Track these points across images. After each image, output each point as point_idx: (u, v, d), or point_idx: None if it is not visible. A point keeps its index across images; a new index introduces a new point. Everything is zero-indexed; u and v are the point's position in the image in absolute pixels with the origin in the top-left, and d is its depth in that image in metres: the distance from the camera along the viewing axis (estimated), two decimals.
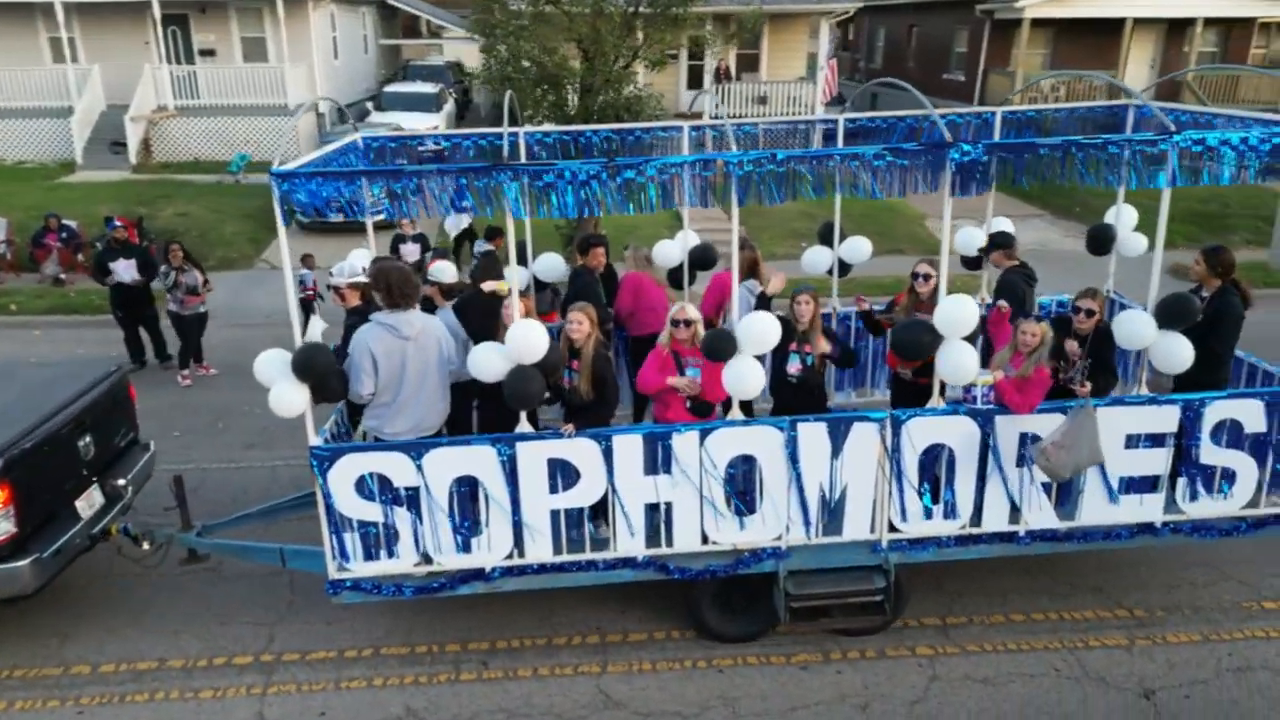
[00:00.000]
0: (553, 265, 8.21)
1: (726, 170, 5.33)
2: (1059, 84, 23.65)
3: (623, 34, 12.19)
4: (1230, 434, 6.19)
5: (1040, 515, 6.21)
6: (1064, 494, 6.17)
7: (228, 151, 22.41)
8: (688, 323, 6.05)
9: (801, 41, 23.60)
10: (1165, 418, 6.11)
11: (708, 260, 8.23)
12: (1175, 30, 24.23)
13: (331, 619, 6.65)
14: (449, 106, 25.05)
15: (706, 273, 8.48)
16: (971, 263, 8.54)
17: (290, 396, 5.43)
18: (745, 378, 5.55)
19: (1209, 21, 23.59)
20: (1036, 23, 22.88)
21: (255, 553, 6.67)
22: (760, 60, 23.44)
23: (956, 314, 5.60)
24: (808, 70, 23.90)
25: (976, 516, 6.17)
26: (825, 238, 8.47)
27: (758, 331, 5.60)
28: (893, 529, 6.11)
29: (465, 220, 13.68)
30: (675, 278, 8.31)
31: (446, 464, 5.66)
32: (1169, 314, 5.89)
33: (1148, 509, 6.29)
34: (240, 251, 16.74)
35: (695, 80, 21.74)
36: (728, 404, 5.85)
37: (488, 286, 6.25)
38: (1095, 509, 6.23)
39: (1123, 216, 8.13)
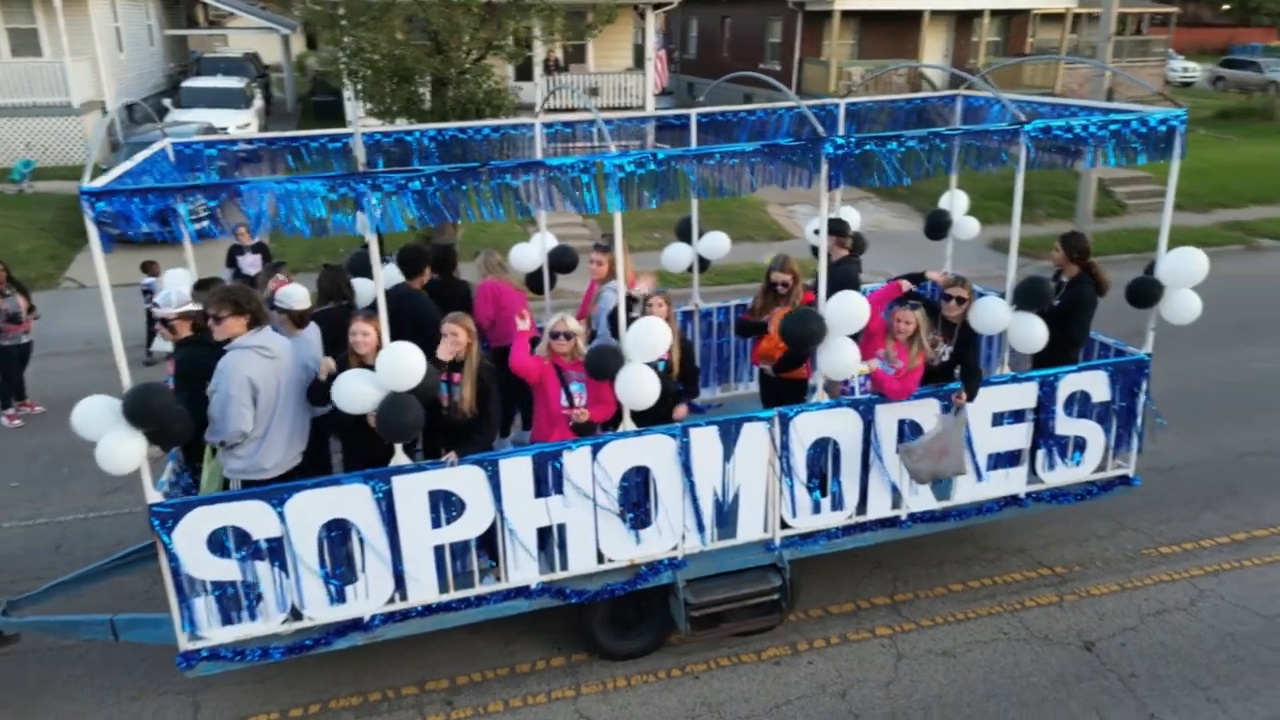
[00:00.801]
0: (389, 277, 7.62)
1: (606, 172, 5.07)
2: (867, 72, 24.89)
3: (478, 24, 11.57)
4: (1080, 405, 6.58)
5: (919, 499, 6.38)
6: None
7: (6, 157, 19.91)
8: (568, 335, 5.71)
9: (628, 32, 23.59)
10: (1026, 394, 6.41)
11: (567, 263, 7.95)
12: (964, 21, 26.02)
13: (264, 675, 5.90)
14: (258, 102, 23.31)
15: (566, 275, 8.23)
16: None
17: (123, 450, 4.69)
18: (640, 387, 5.33)
19: (994, 13, 25.46)
20: (845, 14, 23.89)
21: (79, 627, 5.72)
22: (587, 51, 23.22)
23: (846, 310, 5.60)
24: (634, 61, 23.92)
25: (861, 505, 6.25)
26: (684, 234, 8.35)
27: (649, 341, 5.39)
28: (784, 525, 6.09)
29: None
30: (533, 282, 7.96)
31: (314, 509, 5.10)
32: (1024, 297, 6.13)
33: (1012, 482, 6.60)
34: (40, 270, 14.83)
35: (523, 73, 21.23)
36: (616, 418, 5.61)
37: (324, 373, 5.41)
38: (967, 487, 6.46)
39: (956, 201, 8.45)
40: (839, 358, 5.65)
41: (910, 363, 6.00)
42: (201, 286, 6.29)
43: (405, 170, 4.80)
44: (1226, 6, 64.71)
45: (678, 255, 8.30)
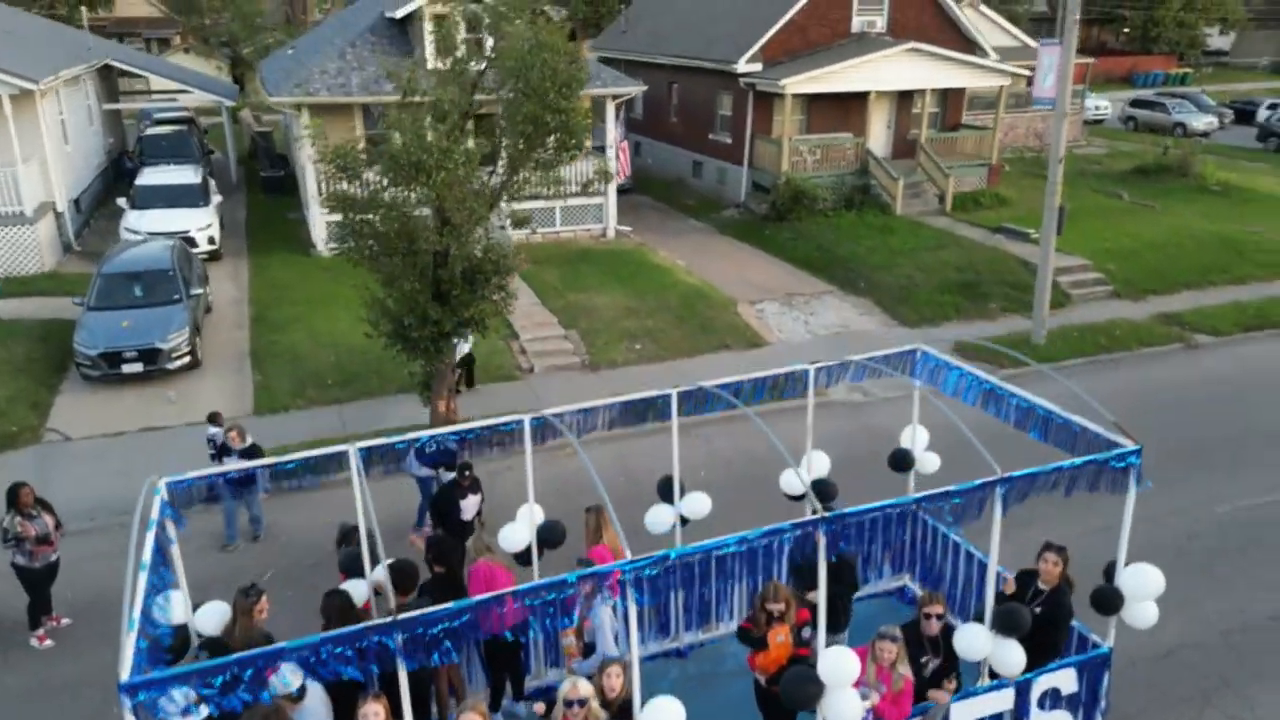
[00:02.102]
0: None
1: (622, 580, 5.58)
2: (815, 148, 25.91)
3: (492, 202, 11.92)
4: (1051, 699, 7.20)
5: None
6: None
7: None
8: (581, 702, 5.80)
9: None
10: (1004, 699, 6.99)
11: (555, 537, 8.15)
12: (905, 97, 27.27)
13: None
14: (216, 198, 22.97)
15: (554, 550, 8.31)
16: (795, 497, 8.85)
17: None
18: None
19: (933, 90, 26.76)
20: (795, 95, 24.82)
21: None
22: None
23: (841, 666, 6.02)
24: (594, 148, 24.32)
25: None
26: (665, 494, 8.58)
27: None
28: None
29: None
30: (522, 557, 8.21)
31: None
32: (1003, 626, 6.67)
33: None
34: (22, 422, 14.43)
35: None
36: None
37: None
38: None
39: (918, 436, 9.09)
40: (844, 710, 6.01)
41: (895, 686, 6.53)
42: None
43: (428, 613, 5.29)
44: (1127, 31, 68.48)
45: (660, 516, 8.51)
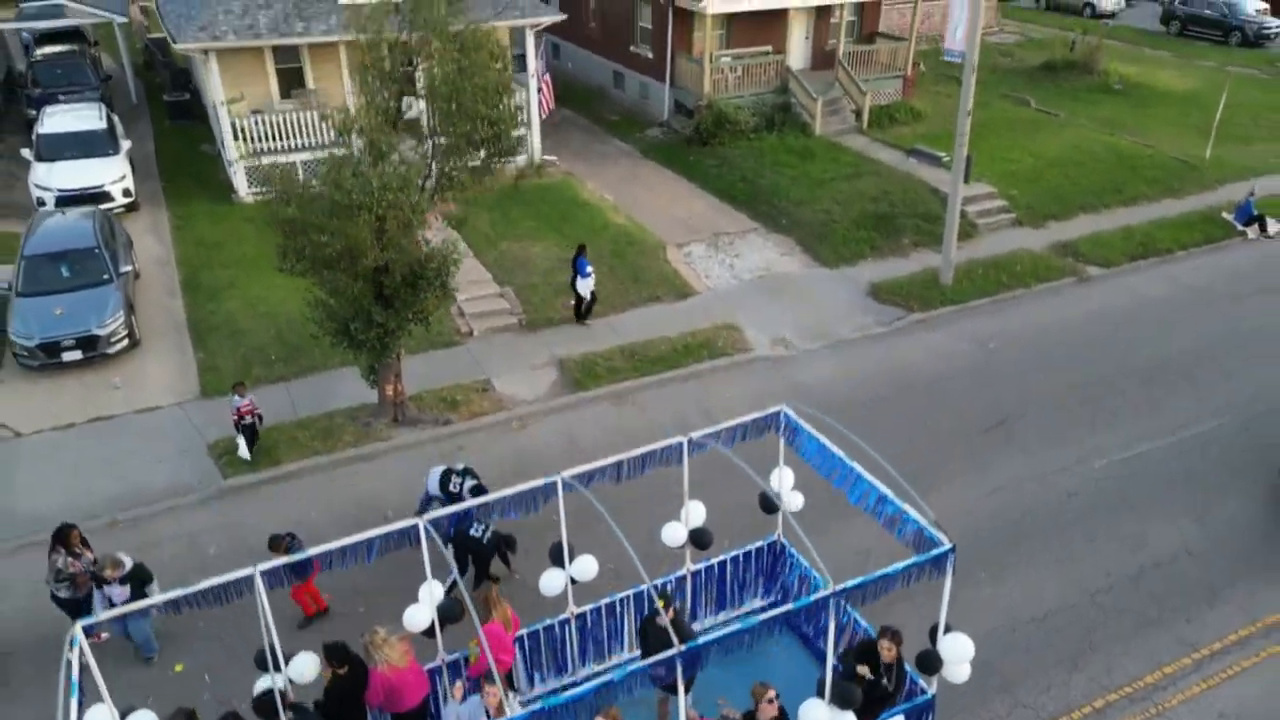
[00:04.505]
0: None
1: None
2: (737, 66, 25.96)
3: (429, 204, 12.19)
4: None
5: None
6: None
7: None
8: None
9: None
10: None
11: (454, 616, 8.55)
12: (823, 10, 27.27)
13: None
14: (125, 143, 22.06)
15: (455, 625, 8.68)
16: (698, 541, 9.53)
17: None
18: None
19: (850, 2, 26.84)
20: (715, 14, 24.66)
21: None
22: None
23: None
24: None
25: None
26: (556, 559, 9.07)
27: None
28: None
29: None
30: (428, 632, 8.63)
31: None
32: (840, 700, 7.64)
33: None
34: None
35: None
36: None
37: None
38: None
39: (784, 477, 9.64)
40: None
41: None
42: None
43: None
44: None
45: (551, 582, 9.06)
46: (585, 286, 17.32)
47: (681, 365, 16.53)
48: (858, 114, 26.47)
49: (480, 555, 10.78)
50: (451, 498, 11.48)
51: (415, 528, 7.97)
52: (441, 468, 11.83)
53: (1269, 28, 37.97)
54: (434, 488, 11.73)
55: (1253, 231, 21.45)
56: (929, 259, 20.03)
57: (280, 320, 17.11)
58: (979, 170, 22.38)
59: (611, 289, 18.68)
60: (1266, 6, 39.08)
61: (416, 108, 12.38)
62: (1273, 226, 21.50)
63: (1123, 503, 13.11)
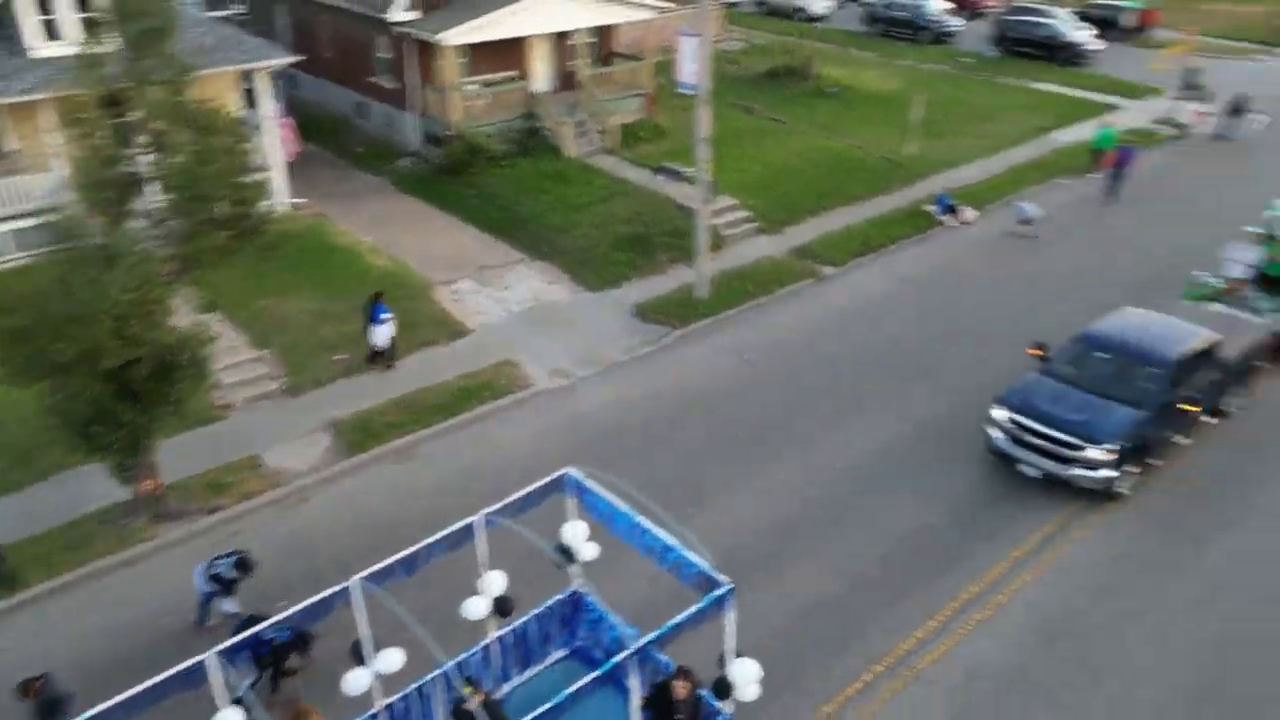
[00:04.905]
0: None
1: None
2: (484, 95, 26.18)
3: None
4: None
5: None
6: None
7: None
8: None
9: (230, 98, 22.18)
10: None
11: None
12: (562, 35, 28.02)
13: None
14: None
15: None
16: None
17: None
18: None
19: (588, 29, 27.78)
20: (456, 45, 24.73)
21: None
22: None
23: None
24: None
25: None
26: (357, 656, 9.08)
27: None
28: None
29: None
30: None
31: None
32: None
33: None
34: None
35: None
36: None
37: None
38: None
39: (577, 531, 10.08)
40: None
41: None
42: None
43: None
44: None
45: (356, 681, 9.08)
46: (382, 335, 17.16)
47: (463, 410, 16.67)
48: (604, 134, 27.48)
49: (278, 656, 10.54)
50: (222, 582, 11.37)
51: (202, 665, 7.72)
52: (204, 562, 11.59)
53: (950, 27, 43.10)
54: (201, 585, 11.51)
55: (950, 220, 24.55)
56: (685, 275, 21.31)
57: (4, 419, 15.46)
58: (719, 182, 24.02)
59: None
60: (951, 6, 44.34)
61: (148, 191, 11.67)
62: (968, 214, 24.71)
63: (873, 487, 14.82)
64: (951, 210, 24.59)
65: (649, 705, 8.90)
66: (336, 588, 8.55)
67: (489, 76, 26.57)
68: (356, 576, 8.57)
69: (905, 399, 17.13)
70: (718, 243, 22.42)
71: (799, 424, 16.45)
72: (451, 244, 22.49)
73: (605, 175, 25.47)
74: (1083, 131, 30.02)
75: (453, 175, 25.14)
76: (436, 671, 9.48)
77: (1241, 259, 18.71)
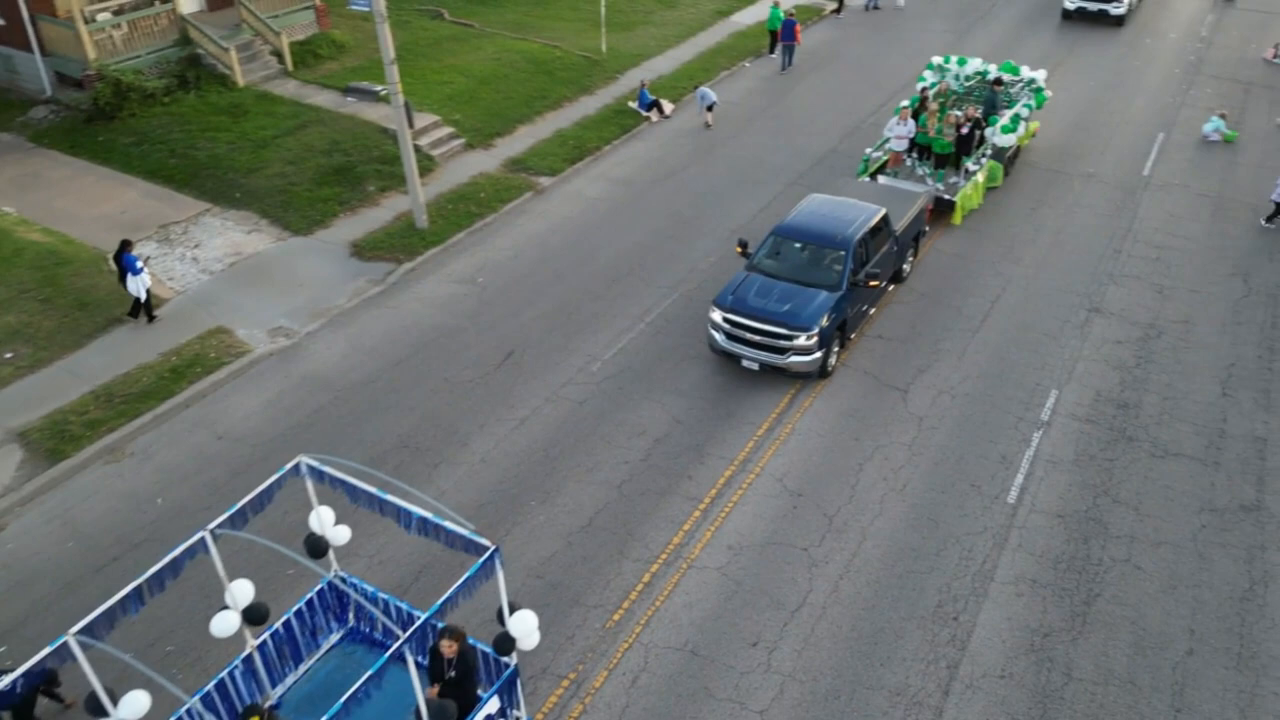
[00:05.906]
0: None
1: None
2: (119, 24, 22.68)
3: None
4: None
5: None
6: None
7: None
8: None
9: None
10: None
11: None
12: None
13: None
14: None
15: None
16: None
17: None
18: None
19: None
20: None
21: None
22: None
23: None
24: None
25: None
26: (95, 709, 8.03)
27: None
28: None
29: None
30: None
31: None
32: (438, 716, 8.42)
33: None
34: None
35: None
36: None
37: None
38: None
39: (324, 516, 9.62)
40: None
41: None
42: None
43: None
44: None
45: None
46: (139, 285, 15.95)
47: (176, 392, 15.02)
48: (279, 56, 24.93)
49: (17, 709, 9.23)
50: None
51: None
52: None
53: None
54: None
55: (654, 115, 25.07)
56: (401, 203, 20.23)
57: None
58: (418, 100, 22.78)
59: (53, 327, 16.02)
60: None
61: None
62: (668, 107, 25.32)
63: (621, 394, 15.28)
64: (656, 105, 25.06)
65: (425, 668, 8.84)
66: (48, 649, 7.41)
67: (123, 1, 22.96)
68: (71, 631, 7.47)
69: (635, 300, 17.59)
70: (427, 165, 21.45)
71: (542, 343, 16.48)
72: (119, 203, 19.69)
73: (289, 102, 23.26)
74: (759, 12, 31.50)
75: (104, 121, 21.83)
76: (181, 710, 8.66)
77: (899, 133, 20.74)
